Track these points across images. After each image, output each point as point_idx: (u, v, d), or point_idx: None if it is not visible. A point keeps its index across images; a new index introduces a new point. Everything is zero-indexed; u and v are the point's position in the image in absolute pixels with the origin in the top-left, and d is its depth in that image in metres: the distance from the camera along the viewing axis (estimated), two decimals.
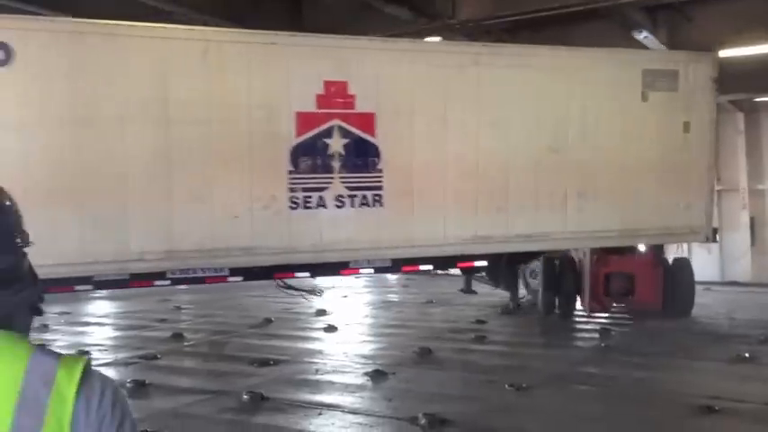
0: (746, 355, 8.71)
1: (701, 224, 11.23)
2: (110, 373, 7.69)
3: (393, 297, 16.14)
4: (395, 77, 9.33)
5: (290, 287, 10.22)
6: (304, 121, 8.86)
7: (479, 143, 9.78)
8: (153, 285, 8.96)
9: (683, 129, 10.90)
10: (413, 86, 9.39)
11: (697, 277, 12.31)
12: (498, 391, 7.12)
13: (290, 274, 9.65)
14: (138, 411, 6.45)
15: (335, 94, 9.02)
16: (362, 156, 9.20)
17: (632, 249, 11.99)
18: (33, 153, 7.66)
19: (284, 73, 8.80)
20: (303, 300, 11.37)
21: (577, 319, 12.01)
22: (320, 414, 6.35)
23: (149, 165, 8.18)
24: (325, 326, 11.24)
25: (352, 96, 9.10)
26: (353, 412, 6.41)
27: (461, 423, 5.99)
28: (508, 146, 9.94)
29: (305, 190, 8.91)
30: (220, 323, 12.09)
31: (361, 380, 7.67)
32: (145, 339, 10.35)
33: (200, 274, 8.83)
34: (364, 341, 10.39)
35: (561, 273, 11.87)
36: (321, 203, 9.00)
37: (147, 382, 7.40)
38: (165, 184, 8.22)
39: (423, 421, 5.90)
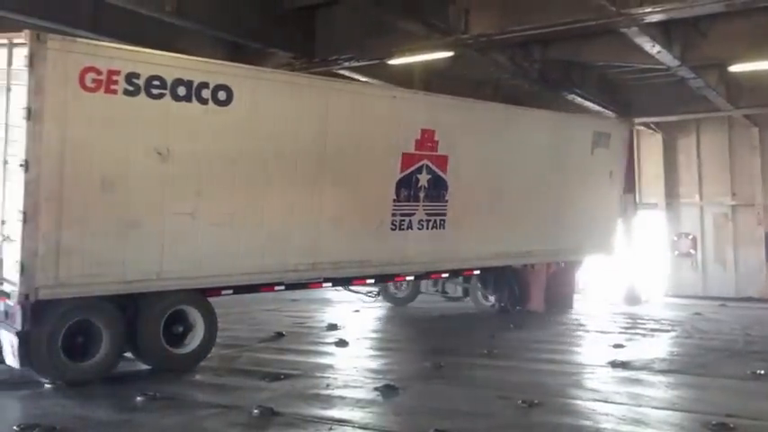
0: (761, 372, 8.60)
1: (611, 242, 15.63)
2: (119, 386, 7.71)
3: (404, 311, 16.08)
4: (460, 127, 11.93)
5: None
6: (406, 160, 11.23)
7: (516, 188, 13.03)
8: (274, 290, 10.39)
9: (609, 176, 15.06)
10: (468, 134, 12.05)
11: (713, 293, 12.84)
12: (510, 407, 7.06)
13: (363, 282, 12.00)
14: (149, 426, 6.46)
15: (427, 139, 11.44)
16: (438, 189, 11.70)
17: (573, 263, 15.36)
18: (240, 180, 9.12)
19: (398, 121, 11.11)
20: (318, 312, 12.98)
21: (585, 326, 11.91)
22: (331, 429, 6.32)
23: (309, 193, 10.00)
24: (337, 340, 11.21)
25: (436, 141, 11.55)
26: (364, 427, 6.37)
27: None
28: (526, 185, 13.21)
29: (402, 215, 11.29)
30: (232, 337, 12.07)
31: (371, 395, 7.64)
32: None
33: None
34: (375, 356, 10.36)
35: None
36: (410, 226, 11.39)
37: (157, 395, 7.40)
38: (317, 209, 10.08)
39: None
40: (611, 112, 17.61)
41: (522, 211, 13.08)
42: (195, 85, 8.46)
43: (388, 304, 16.07)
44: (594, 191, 14.65)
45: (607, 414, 6.92)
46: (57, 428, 6.16)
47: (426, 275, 13.04)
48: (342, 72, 13.71)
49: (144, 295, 8.38)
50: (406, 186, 11.24)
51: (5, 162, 7.53)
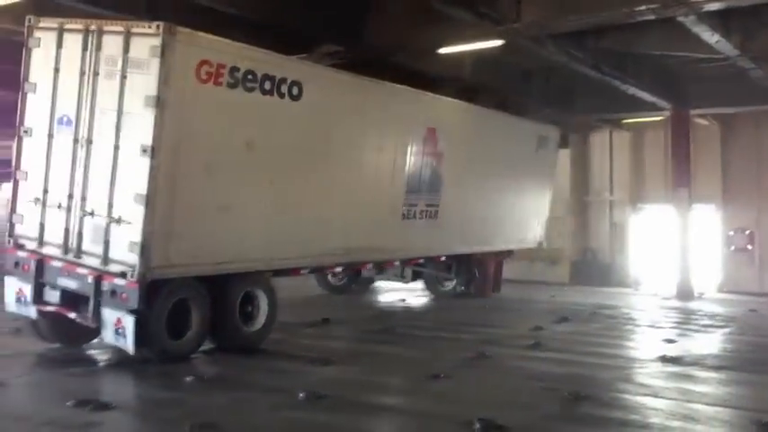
0: None
1: (542, 234, 17.32)
2: (170, 366, 7.87)
3: (454, 301, 16.03)
4: (454, 127, 13.09)
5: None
6: (416, 155, 12.31)
7: (487, 182, 14.39)
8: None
9: (546, 175, 16.88)
10: (458, 134, 13.24)
11: (737, 288, 12.76)
12: (556, 399, 6.99)
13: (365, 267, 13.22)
14: (197, 405, 6.59)
15: (431, 137, 12.51)
16: (435, 183, 12.84)
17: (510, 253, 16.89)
18: (301, 170, 9.70)
19: (414, 119, 12.21)
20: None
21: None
22: (374, 414, 6.36)
23: (348, 182, 10.78)
24: (382, 328, 11.25)
25: (437, 140, 12.63)
26: (407, 414, 6.40)
27: (517, 429, 5.89)
28: (492, 181, 14.65)
29: (409, 205, 12.37)
30: (279, 321, 12.22)
31: (415, 382, 7.66)
32: None
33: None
34: (421, 344, 10.37)
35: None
36: (414, 216, 12.51)
37: (206, 376, 7.54)
38: (354, 197, 10.88)
39: (477, 426, 5.82)
40: (666, 103, 17.22)
41: (488, 203, 14.63)
42: (277, 80, 9.02)
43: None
44: (536, 188, 16.64)
45: (656, 409, 6.80)
46: (110, 405, 6.32)
47: (407, 262, 14.17)
48: (391, 61, 13.70)
49: (226, 276, 8.78)
50: (413, 179, 12.34)
51: (117, 147, 7.78)
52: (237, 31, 11.55)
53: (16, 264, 8.44)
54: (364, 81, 11.04)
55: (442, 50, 13.13)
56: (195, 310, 8.40)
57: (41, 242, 8.29)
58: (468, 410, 6.35)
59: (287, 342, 10.23)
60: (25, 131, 8.46)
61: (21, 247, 8.44)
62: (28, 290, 8.26)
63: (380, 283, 16.48)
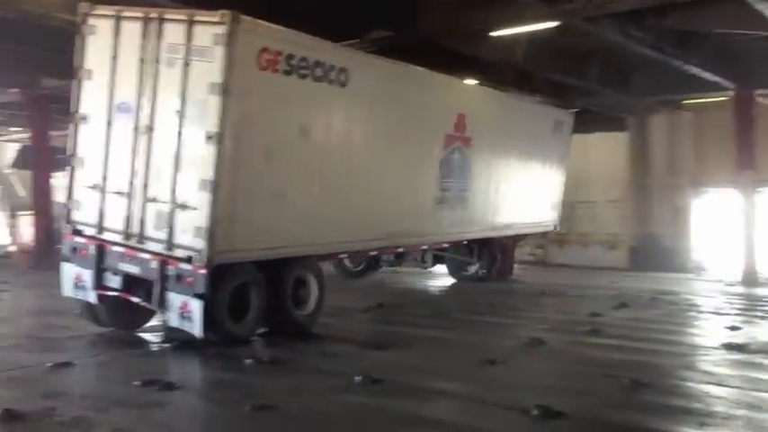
0: None
1: (556, 218, 17.50)
2: (230, 349, 8.04)
3: (507, 287, 15.94)
4: (480, 112, 13.16)
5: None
6: (447, 140, 12.50)
7: (509, 166, 14.71)
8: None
9: (560, 159, 16.95)
10: (484, 118, 13.31)
11: None
12: (616, 386, 6.89)
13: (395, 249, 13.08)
14: (257, 386, 6.73)
15: (461, 122, 12.66)
16: (465, 167, 13.03)
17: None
18: (347, 156, 9.93)
19: (447, 105, 12.42)
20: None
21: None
22: (429, 399, 6.37)
23: (391, 168, 11.01)
24: (436, 312, 11.25)
25: (465, 125, 12.75)
26: (463, 399, 6.39)
27: (575, 416, 5.83)
28: (514, 165, 14.92)
29: (442, 190, 12.57)
30: (335, 306, 12.35)
31: (471, 367, 7.64)
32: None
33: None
34: (476, 329, 10.34)
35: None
36: (446, 201, 12.69)
37: (264, 359, 7.68)
38: (395, 183, 11.14)
39: (534, 412, 5.79)
40: (729, 83, 16.66)
41: (511, 187, 14.78)
42: (327, 66, 9.10)
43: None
44: (552, 172, 16.80)
45: (720, 397, 6.64)
46: (174, 385, 6.50)
47: (432, 247, 14.38)
48: (440, 45, 13.59)
49: (280, 261, 8.94)
50: (446, 164, 12.51)
51: (180, 134, 7.88)
52: (289, 17, 11.63)
53: (74, 249, 8.53)
54: (403, 67, 11.12)
55: (495, 33, 12.95)
56: (254, 294, 8.53)
57: (101, 228, 8.39)
58: (524, 396, 6.33)
59: (343, 326, 10.34)
60: (82, 118, 8.54)
61: (78, 233, 8.53)
62: (87, 275, 8.37)
63: (389, 269, 16.39)
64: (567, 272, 20.05)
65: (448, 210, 12.76)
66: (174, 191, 7.89)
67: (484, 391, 6.79)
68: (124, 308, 8.51)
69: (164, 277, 7.90)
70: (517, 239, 17.04)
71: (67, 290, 8.61)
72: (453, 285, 15.49)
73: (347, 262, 15.28)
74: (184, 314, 7.81)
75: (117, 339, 8.67)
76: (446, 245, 14.33)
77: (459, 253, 15.51)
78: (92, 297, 8.43)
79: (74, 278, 8.49)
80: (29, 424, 5.28)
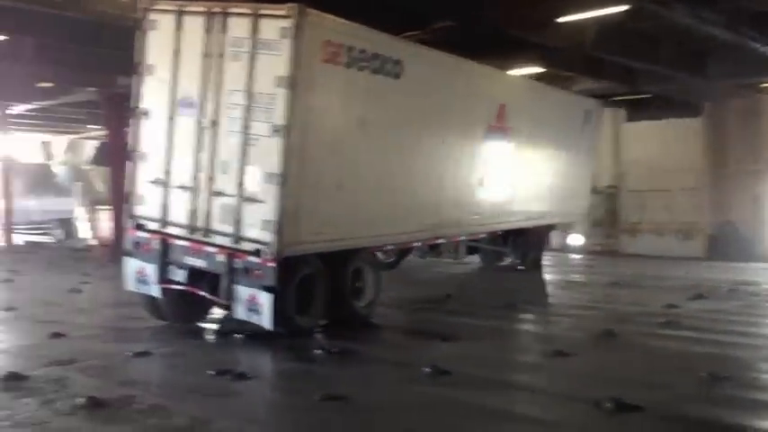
0: None
1: (585, 207, 17.60)
2: (298, 340, 8.16)
3: (576, 277, 15.68)
4: (518, 102, 13.06)
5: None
6: (488, 131, 12.44)
7: (545, 155, 14.67)
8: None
9: (589, 150, 16.81)
10: (521, 108, 13.13)
11: None
12: (692, 379, 6.69)
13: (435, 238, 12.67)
14: (327, 377, 6.81)
15: (501, 112, 12.63)
16: (504, 157, 12.91)
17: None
18: (401, 147, 9.90)
19: (490, 96, 12.44)
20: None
21: None
22: (499, 391, 6.33)
23: (439, 159, 11.03)
24: (503, 303, 11.15)
25: (506, 115, 12.73)
26: (534, 391, 6.32)
27: (650, 410, 5.69)
28: (548, 154, 14.77)
29: (486, 180, 12.40)
30: (404, 297, 12.40)
31: (542, 359, 7.56)
32: None
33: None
34: (545, 321, 10.21)
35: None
36: (489, 190, 12.64)
37: (333, 350, 7.77)
38: (443, 173, 11.15)
39: (607, 405, 5.67)
40: None
41: (546, 177, 14.71)
42: (383, 58, 9.05)
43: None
44: (582, 161, 16.67)
45: None
46: (246, 375, 6.65)
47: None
48: (504, 34, 13.40)
49: (340, 253, 8.97)
50: (488, 155, 12.45)
51: (246, 128, 7.87)
52: (354, 8, 11.69)
53: (137, 244, 8.56)
54: (452, 58, 11.01)
55: (562, 20, 12.69)
56: (317, 285, 8.59)
57: (164, 222, 8.41)
58: (596, 389, 6.21)
59: (410, 317, 10.37)
60: (143, 114, 8.54)
61: (141, 227, 8.57)
62: (151, 269, 8.41)
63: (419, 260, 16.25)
64: (640, 262, 19.56)
65: (490, 200, 12.76)
66: (240, 184, 7.91)
67: (554, 383, 6.71)
68: (184, 301, 8.61)
69: (231, 270, 7.94)
70: (549, 229, 16.89)
71: (130, 284, 8.70)
72: (516, 277, 15.29)
73: (380, 254, 15.35)
74: (252, 307, 7.87)
75: (189, 330, 8.89)
76: (483, 235, 14.25)
77: (494, 243, 15.38)
78: (155, 291, 8.48)
79: (136, 272, 8.55)
80: (110, 411, 5.48)
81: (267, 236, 7.74)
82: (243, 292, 7.93)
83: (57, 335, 8.22)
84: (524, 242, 15.62)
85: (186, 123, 8.26)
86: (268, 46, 7.74)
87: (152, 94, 8.48)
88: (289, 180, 7.73)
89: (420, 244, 12.29)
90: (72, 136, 32.18)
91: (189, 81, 8.22)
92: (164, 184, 8.39)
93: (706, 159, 20.76)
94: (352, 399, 5.94)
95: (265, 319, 7.82)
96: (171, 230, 8.39)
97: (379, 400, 6.13)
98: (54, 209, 24.40)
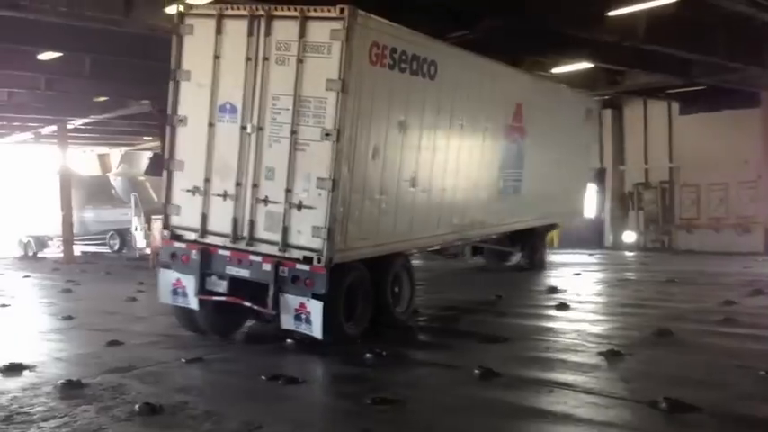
0: None
1: (583, 205, 17.78)
2: (351, 347, 8.18)
3: (630, 275, 15.38)
4: (531, 102, 12.91)
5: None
6: (507, 131, 12.39)
7: (553, 155, 14.38)
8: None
9: (589, 147, 17.67)
10: (534, 108, 12.99)
11: None
12: (750, 377, 6.49)
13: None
14: (379, 380, 6.83)
15: (518, 113, 12.56)
16: (519, 157, 12.89)
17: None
18: (434, 150, 9.81)
19: (508, 96, 12.25)
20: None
21: None
22: (551, 392, 6.24)
23: (469, 162, 11.06)
24: (557, 303, 11.01)
25: (522, 115, 12.66)
26: (587, 392, 6.21)
27: (708, 409, 5.54)
28: (555, 154, 14.54)
29: (504, 180, 12.51)
30: (452, 299, 12.35)
31: (595, 359, 7.42)
32: None
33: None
34: (598, 320, 10.03)
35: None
36: (505, 191, 12.61)
37: (384, 353, 7.78)
38: (470, 175, 11.20)
39: (663, 405, 5.55)
40: None
41: (553, 176, 14.53)
42: (420, 59, 8.94)
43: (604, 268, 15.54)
44: (583, 160, 16.92)
45: None
46: (298, 379, 6.71)
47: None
48: (552, 30, 13.24)
49: (381, 258, 8.90)
50: (506, 155, 12.39)
51: (294, 132, 7.70)
52: (403, 11, 11.69)
53: (173, 255, 8.30)
54: (478, 59, 10.93)
55: (613, 13, 12.48)
56: (362, 292, 8.51)
57: (204, 232, 8.17)
58: (652, 389, 6.08)
59: (461, 319, 10.30)
60: (179, 120, 8.27)
61: (178, 238, 8.32)
62: (188, 281, 8.16)
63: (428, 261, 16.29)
64: (697, 258, 19.08)
65: (505, 200, 12.63)
66: (288, 191, 7.74)
67: (608, 383, 6.59)
68: (220, 313, 8.43)
69: (278, 279, 7.77)
70: (551, 228, 17.02)
71: (164, 297, 8.46)
72: (565, 278, 15.07)
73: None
74: (301, 315, 7.71)
75: (240, 337, 9.01)
76: (494, 236, 14.17)
77: (501, 244, 15.43)
78: (193, 303, 8.23)
79: (172, 284, 8.31)
80: (166, 417, 5.59)
81: (318, 243, 7.59)
82: (291, 301, 7.77)
83: (114, 343, 8.44)
84: (531, 242, 15.72)
85: (227, 130, 8.06)
86: (317, 49, 7.58)
87: (189, 100, 8.25)
88: (339, 185, 7.61)
89: (448, 245, 12.48)
90: (127, 148, 33.07)
91: (230, 86, 8.03)
92: (202, 192, 8.17)
93: (765, 151, 20.10)
94: (404, 402, 5.95)
95: (315, 328, 7.66)
96: (211, 240, 8.17)
97: (431, 402, 6.12)
98: (110, 219, 25.03)
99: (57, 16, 11.92)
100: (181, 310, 8.56)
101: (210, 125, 8.12)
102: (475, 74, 10.74)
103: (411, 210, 9.32)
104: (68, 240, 23.63)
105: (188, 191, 8.25)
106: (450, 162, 10.39)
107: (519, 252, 15.74)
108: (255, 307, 8.08)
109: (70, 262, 22.68)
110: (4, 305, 12.14)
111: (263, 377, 6.78)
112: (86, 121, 23.97)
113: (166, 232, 8.41)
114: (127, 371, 7.12)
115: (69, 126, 24.42)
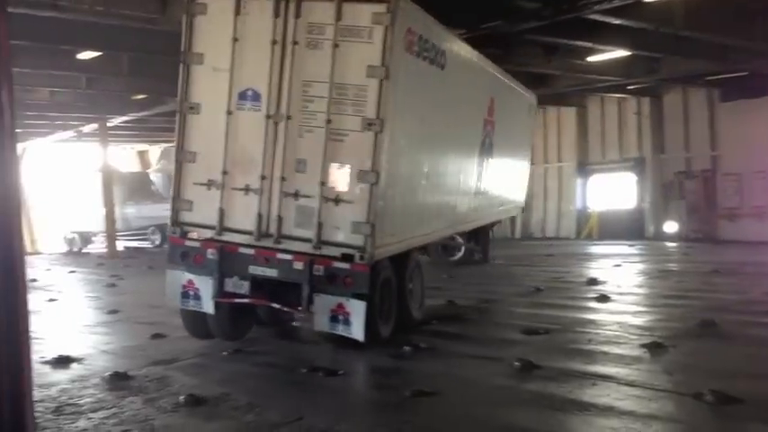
0: None
1: (523, 204, 17.90)
2: (389, 340, 8.20)
3: (672, 266, 15.14)
4: (499, 95, 12.79)
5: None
6: (484, 125, 12.09)
7: (507, 150, 14.09)
8: None
9: (529, 144, 17.44)
10: (499, 102, 12.78)
11: None
12: None
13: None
14: (418, 372, 6.84)
15: (491, 106, 12.28)
16: (490, 151, 12.51)
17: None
18: (448, 145, 9.95)
19: (486, 89, 12.02)
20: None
21: None
22: (594, 384, 6.19)
23: (468, 158, 11.19)
24: (597, 295, 10.90)
25: (494, 108, 12.38)
26: (630, 384, 6.14)
27: (754, 402, 5.44)
28: (509, 149, 14.27)
29: (477, 174, 11.98)
30: (490, 291, 12.31)
31: (637, 351, 7.33)
32: None
33: None
34: (640, 312, 9.90)
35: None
36: (479, 185, 12.18)
37: (423, 345, 7.79)
38: (470, 171, 11.39)
39: (708, 398, 5.45)
40: None
41: (507, 171, 14.48)
42: (436, 48, 8.46)
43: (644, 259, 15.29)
44: (525, 154, 16.94)
45: None
46: (337, 371, 6.76)
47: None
48: (592, 17, 13.06)
49: (400, 254, 8.51)
50: (481, 148, 11.96)
51: (329, 121, 7.20)
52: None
53: (184, 255, 7.60)
54: (470, 49, 10.52)
55: None
56: (391, 289, 8.15)
57: (221, 229, 7.49)
58: (696, 381, 5.99)
59: (499, 311, 10.27)
60: (191, 108, 7.54)
61: (189, 235, 7.70)
62: (203, 282, 7.50)
63: None
64: (740, 248, 18.71)
65: (481, 194, 12.32)
66: (323, 184, 7.21)
67: (651, 375, 6.51)
68: (233, 317, 7.89)
69: (312, 278, 7.28)
70: (495, 223, 17.28)
71: (173, 299, 7.73)
72: (605, 269, 14.89)
73: None
74: (338, 317, 7.23)
75: (279, 330, 9.08)
76: (468, 230, 13.97)
77: (466, 239, 15.61)
78: (209, 307, 7.55)
79: (182, 286, 7.59)
80: (209, 408, 5.68)
81: (359, 239, 7.14)
82: (326, 301, 7.27)
83: (157, 335, 8.58)
84: (484, 236, 16.30)
85: (249, 118, 7.40)
86: (356, 33, 7.09)
87: (203, 86, 7.54)
88: (380, 178, 7.18)
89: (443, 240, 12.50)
90: (165, 144, 33.55)
91: (253, 72, 7.37)
92: (219, 186, 7.46)
93: None
94: (444, 394, 5.95)
95: (356, 330, 7.22)
96: (230, 238, 7.51)
97: (471, 395, 6.10)
98: (151, 215, 25.48)
99: (94, 15, 12.16)
100: (190, 315, 7.86)
101: (229, 113, 7.42)
102: (466, 62, 10.34)
103: (423, 204, 9.03)
104: (111, 236, 24.12)
105: (202, 184, 7.53)
106: (453, 155, 10.29)
107: (472, 246, 16.08)
108: (285, 309, 7.74)
109: (114, 257, 23.14)
110: (52, 299, 12.44)
111: (302, 369, 6.84)
112: (126, 118, 24.40)
113: (176, 230, 7.68)
114: (170, 363, 7.25)
115: (109, 124, 24.89)
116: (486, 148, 12.12)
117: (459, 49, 9.78)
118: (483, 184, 12.20)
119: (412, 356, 7.48)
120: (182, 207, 7.63)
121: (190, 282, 7.56)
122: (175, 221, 7.66)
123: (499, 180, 13.68)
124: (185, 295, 7.60)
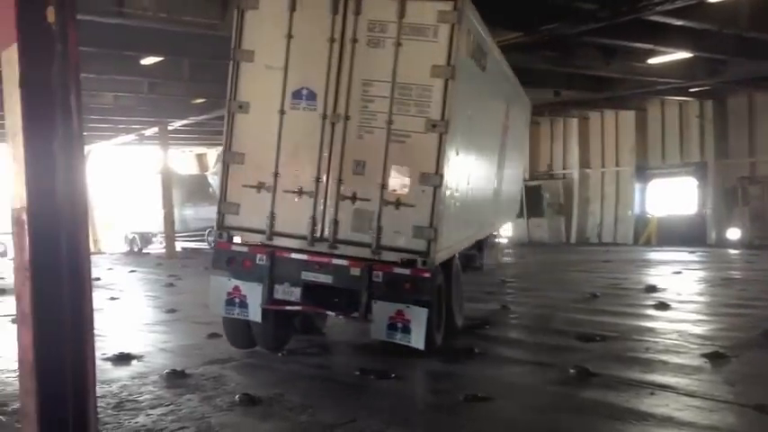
0: None
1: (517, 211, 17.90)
2: (443, 343, 8.17)
3: (735, 274, 14.69)
4: (510, 99, 11.96)
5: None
6: (503, 129, 11.34)
7: (514, 154, 13.69)
8: None
9: (523, 149, 17.78)
10: (512, 106, 12.17)
11: None
12: None
13: None
14: (470, 378, 6.80)
15: (507, 110, 11.60)
16: (503, 152, 11.71)
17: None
18: (477, 151, 9.22)
19: (506, 93, 11.37)
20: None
21: None
22: (652, 394, 6.05)
23: (491, 164, 10.74)
24: (656, 303, 10.65)
25: (509, 112, 11.73)
26: (690, 395, 5.99)
27: None
28: (511, 154, 13.06)
29: (497, 180, 11.50)
30: (545, 297, 12.16)
31: (697, 361, 7.14)
32: (474, 310, 10.74)
33: None
34: (700, 320, 9.64)
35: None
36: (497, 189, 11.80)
37: (476, 350, 7.74)
38: (491, 175, 10.90)
39: None
40: None
41: (511, 177, 13.77)
42: (482, 50, 8.22)
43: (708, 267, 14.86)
44: (520, 162, 16.33)
45: None
46: (389, 374, 6.79)
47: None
48: (652, 18, 12.80)
49: (447, 260, 8.17)
50: (500, 152, 11.42)
51: (390, 122, 6.93)
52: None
53: (230, 260, 7.31)
54: (498, 49, 10.15)
55: (712, 0, 11.95)
56: (442, 296, 7.91)
57: (272, 234, 7.18)
58: (758, 392, 5.83)
59: (554, 317, 10.13)
60: (239, 107, 7.31)
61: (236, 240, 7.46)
62: (251, 289, 7.22)
63: None
64: None
65: (496, 200, 11.90)
66: (383, 186, 6.95)
67: (712, 386, 6.33)
68: (277, 325, 7.62)
69: (371, 284, 7.02)
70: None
71: (217, 307, 7.42)
72: (665, 276, 14.53)
73: None
74: (397, 324, 6.97)
75: (331, 332, 9.15)
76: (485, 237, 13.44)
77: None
78: (256, 315, 7.24)
79: (227, 293, 7.30)
80: (264, 408, 5.76)
81: (421, 244, 6.87)
82: (385, 308, 7.00)
83: (214, 335, 8.71)
84: (489, 241, 15.41)
85: (303, 118, 7.12)
86: (421, 31, 6.85)
87: (253, 84, 7.29)
88: (444, 181, 6.96)
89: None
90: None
91: (308, 70, 7.13)
92: (270, 188, 7.16)
93: None
94: (498, 400, 5.91)
95: (416, 337, 6.94)
96: (281, 242, 7.22)
97: (525, 401, 6.05)
98: (209, 217, 25.79)
99: (158, 22, 12.48)
100: (233, 323, 7.58)
101: (282, 112, 7.13)
102: (500, 66, 10.09)
103: (466, 208, 8.71)
104: (170, 237, 24.70)
105: (251, 187, 7.21)
106: (483, 158, 9.97)
107: (474, 253, 15.52)
108: (341, 316, 7.58)
109: (172, 257, 23.69)
110: (113, 298, 12.82)
111: (355, 372, 6.87)
112: (185, 122, 24.94)
113: (222, 234, 7.36)
114: (226, 362, 7.38)
115: (170, 127, 25.49)
116: (501, 153, 11.59)
117: (494, 50, 9.41)
118: (499, 188, 11.93)
119: (466, 360, 7.45)
120: (228, 210, 7.32)
121: (236, 288, 7.29)
122: (221, 225, 7.36)
123: (507, 186, 13.31)
124: (230, 303, 7.31)
